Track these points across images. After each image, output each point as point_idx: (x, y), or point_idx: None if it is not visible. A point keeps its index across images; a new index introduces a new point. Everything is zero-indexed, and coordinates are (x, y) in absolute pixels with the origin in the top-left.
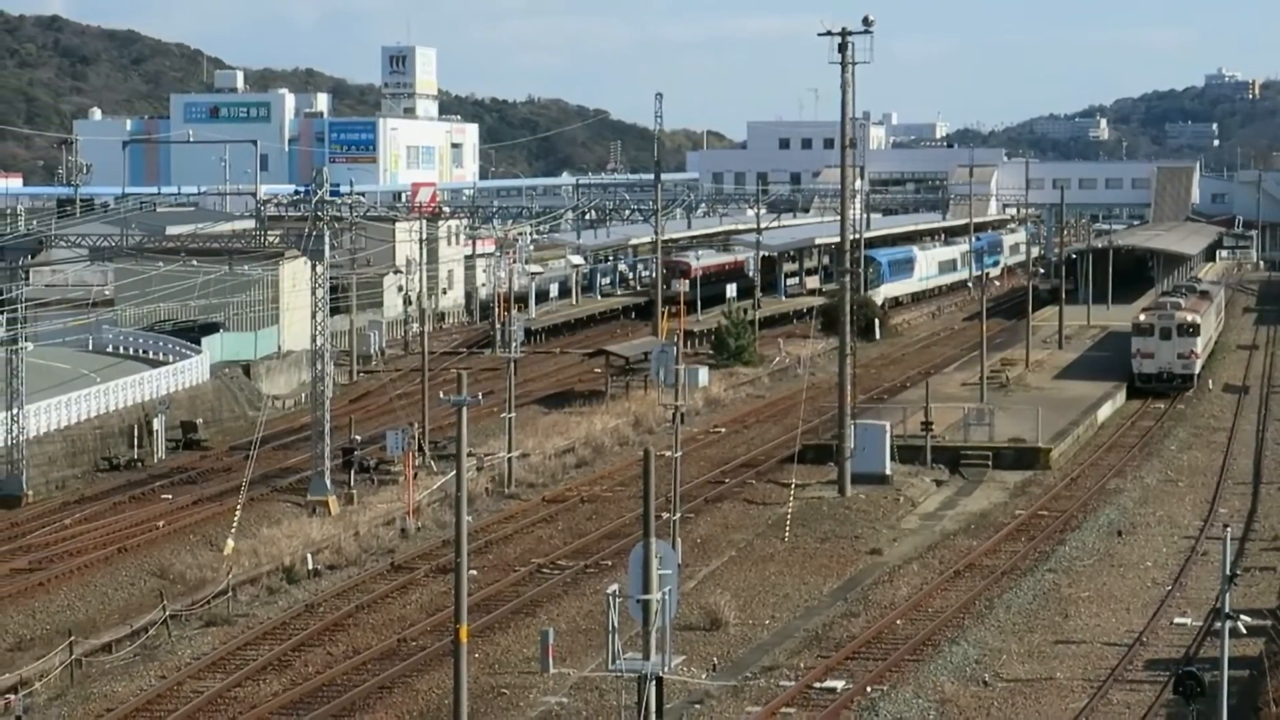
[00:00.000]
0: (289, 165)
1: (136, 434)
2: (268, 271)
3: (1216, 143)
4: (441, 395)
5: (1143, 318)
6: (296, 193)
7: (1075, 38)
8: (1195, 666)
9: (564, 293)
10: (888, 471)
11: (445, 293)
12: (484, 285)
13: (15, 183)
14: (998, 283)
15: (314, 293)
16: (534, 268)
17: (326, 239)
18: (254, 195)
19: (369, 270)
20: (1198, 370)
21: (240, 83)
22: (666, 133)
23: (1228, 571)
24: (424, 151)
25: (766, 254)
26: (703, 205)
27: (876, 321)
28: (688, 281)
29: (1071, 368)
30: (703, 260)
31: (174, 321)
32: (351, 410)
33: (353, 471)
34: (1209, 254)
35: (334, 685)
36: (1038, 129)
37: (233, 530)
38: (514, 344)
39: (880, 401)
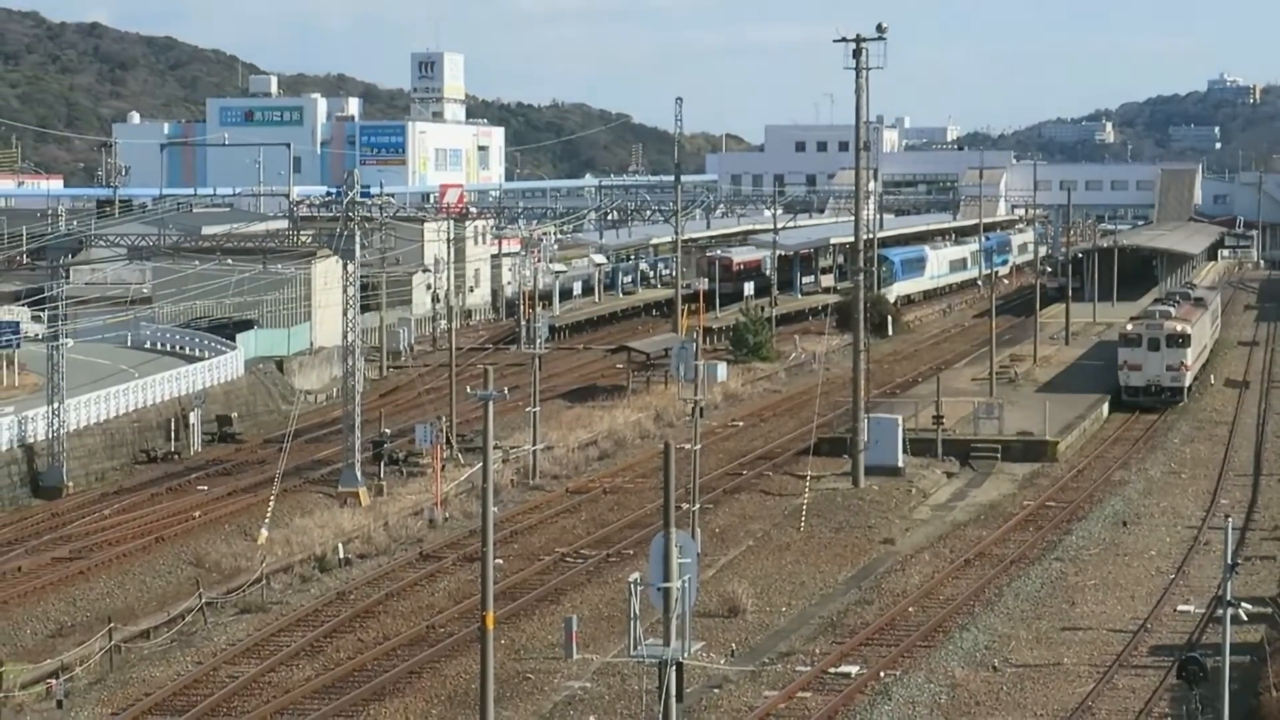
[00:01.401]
0: (321, 167)
1: (173, 427)
2: (300, 270)
3: (1218, 146)
4: (469, 390)
5: (1130, 327)
6: (328, 194)
7: (1082, 44)
8: (1198, 652)
9: (587, 291)
10: (900, 464)
11: (472, 291)
12: (510, 283)
13: (56, 184)
14: (1006, 281)
15: (345, 291)
16: (558, 266)
17: (357, 239)
18: (287, 196)
19: (398, 269)
20: (1188, 383)
21: (274, 87)
22: (686, 136)
23: (1229, 560)
24: (451, 154)
25: (783, 253)
26: (721, 206)
27: (889, 318)
28: (731, 274)
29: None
30: (741, 256)
31: (209, 318)
32: (381, 404)
33: (383, 464)
34: (1211, 253)
35: (365, 670)
36: (1045, 132)
37: (266, 520)
38: (538, 340)
39: (893, 396)
